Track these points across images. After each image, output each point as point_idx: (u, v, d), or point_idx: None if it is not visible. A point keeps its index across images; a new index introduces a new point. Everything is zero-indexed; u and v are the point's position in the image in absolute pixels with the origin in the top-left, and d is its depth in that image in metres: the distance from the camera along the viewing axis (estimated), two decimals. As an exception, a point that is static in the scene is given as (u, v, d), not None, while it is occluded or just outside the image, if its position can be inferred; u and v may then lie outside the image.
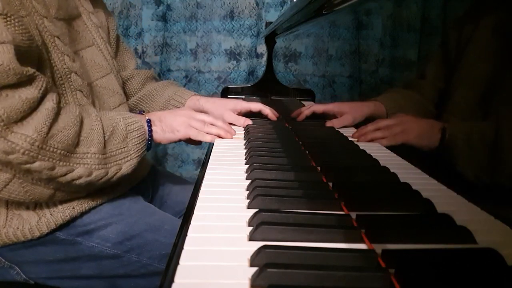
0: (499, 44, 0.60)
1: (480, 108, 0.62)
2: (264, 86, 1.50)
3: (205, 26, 1.83)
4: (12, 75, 0.51)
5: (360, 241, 0.37)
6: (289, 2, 1.76)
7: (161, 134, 0.73)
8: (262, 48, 1.82)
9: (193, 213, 0.42)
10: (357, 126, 0.88)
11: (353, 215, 0.42)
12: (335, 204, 0.45)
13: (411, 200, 0.47)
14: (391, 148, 0.73)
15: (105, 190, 0.72)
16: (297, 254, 0.33)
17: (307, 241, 0.37)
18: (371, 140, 0.77)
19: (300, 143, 0.75)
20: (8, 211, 0.65)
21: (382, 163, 0.61)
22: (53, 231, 0.67)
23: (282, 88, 1.51)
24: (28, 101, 0.52)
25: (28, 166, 0.54)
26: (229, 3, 1.79)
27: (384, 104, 0.87)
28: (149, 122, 0.72)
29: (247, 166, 0.59)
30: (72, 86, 0.66)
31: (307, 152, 0.68)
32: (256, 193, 0.45)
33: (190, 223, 0.40)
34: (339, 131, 0.86)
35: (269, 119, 0.96)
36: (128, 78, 0.97)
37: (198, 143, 0.80)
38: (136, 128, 0.68)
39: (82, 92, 0.68)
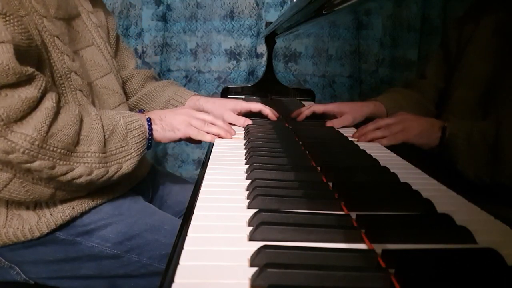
0: (499, 44, 0.60)
1: (480, 107, 0.62)
2: (264, 86, 1.50)
3: (205, 26, 1.83)
4: (12, 74, 0.51)
5: (360, 241, 0.37)
6: (289, 2, 1.76)
7: (161, 132, 0.73)
8: (262, 48, 1.82)
9: (193, 213, 0.42)
10: (357, 126, 0.88)
11: (353, 215, 0.42)
12: (335, 204, 0.45)
13: (411, 200, 0.47)
14: (391, 148, 0.73)
15: (105, 190, 0.72)
16: (297, 254, 0.33)
17: (307, 241, 0.37)
18: (371, 140, 0.77)
19: (300, 143, 0.75)
20: (8, 211, 0.65)
21: (382, 163, 0.61)
22: (53, 231, 0.67)
23: (282, 88, 1.51)
24: (27, 101, 0.52)
25: (28, 165, 0.54)
26: (229, 3, 1.79)
27: (384, 104, 0.87)
28: (149, 120, 0.72)
29: (247, 166, 0.59)
30: (72, 86, 0.66)
31: (307, 152, 0.68)
32: (256, 193, 0.45)
33: (190, 223, 0.40)
34: (339, 131, 0.86)
35: (269, 119, 0.96)
36: (128, 78, 0.97)
37: (198, 142, 0.80)
38: (136, 127, 0.68)
39: (82, 91, 0.68)
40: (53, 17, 0.65)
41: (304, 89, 1.56)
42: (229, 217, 0.42)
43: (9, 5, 0.54)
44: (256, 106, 0.96)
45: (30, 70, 0.54)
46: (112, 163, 0.64)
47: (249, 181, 0.51)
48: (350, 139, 0.79)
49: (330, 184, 0.52)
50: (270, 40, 1.49)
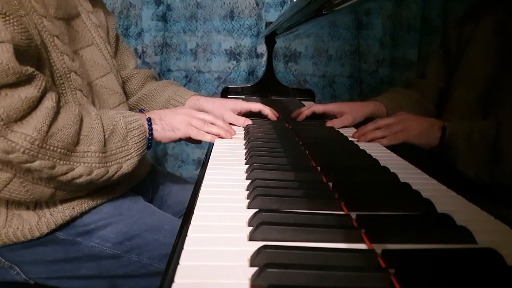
0: (499, 44, 0.61)
1: (480, 107, 0.62)
2: (264, 86, 1.50)
3: (205, 26, 1.83)
4: (12, 74, 0.51)
5: (360, 241, 0.37)
6: (289, 2, 1.76)
7: (161, 132, 0.73)
8: (262, 48, 1.82)
9: (193, 213, 0.42)
10: (357, 126, 0.88)
11: (353, 215, 0.42)
12: (335, 204, 0.45)
13: (411, 200, 0.47)
14: (391, 148, 0.73)
15: (105, 190, 0.72)
16: (297, 254, 0.33)
17: (307, 241, 0.37)
18: (371, 140, 0.77)
19: (300, 143, 0.75)
20: (8, 211, 0.65)
21: (382, 163, 0.61)
22: (53, 231, 0.67)
23: (282, 88, 1.51)
24: (27, 100, 0.52)
25: (28, 165, 0.54)
26: (229, 3, 1.79)
27: (384, 104, 0.87)
28: (149, 120, 0.72)
29: (247, 166, 0.59)
30: (71, 86, 0.66)
31: (307, 152, 0.68)
32: (256, 193, 0.45)
33: (190, 223, 0.40)
34: (339, 131, 0.86)
35: (269, 119, 0.96)
36: (128, 78, 0.97)
37: (198, 142, 0.80)
38: (137, 127, 0.68)
39: (82, 91, 0.68)
40: (52, 17, 0.65)
41: (304, 89, 1.56)
42: (229, 217, 0.42)
43: (8, 5, 0.54)
44: (256, 106, 0.96)
45: (30, 69, 0.54)
46: (112, 163, 0.64)
47: (249, 181, 0.51)
48: (350, 139, 0.79)
49: (330, 184, 0.52)
50: (270, 40, 1.49)
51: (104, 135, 0.63)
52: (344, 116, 0.91)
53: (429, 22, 0.84)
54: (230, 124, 0.87)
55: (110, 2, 1.76)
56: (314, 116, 0.97)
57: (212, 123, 0.79)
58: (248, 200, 0.46)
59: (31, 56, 0.58)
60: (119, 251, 0.70)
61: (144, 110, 0.80)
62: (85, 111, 0.64)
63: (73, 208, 0.67)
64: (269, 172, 0.54)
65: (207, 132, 0.77)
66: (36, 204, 0.66)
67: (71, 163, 0.58)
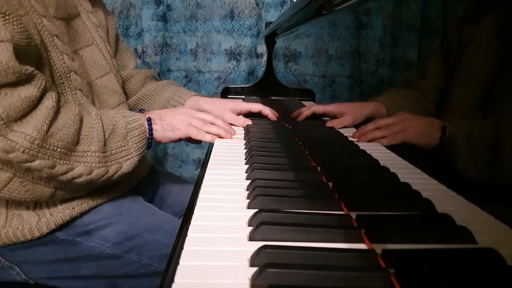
0: (499, 44, 0.60)
1: (480, 107, 0.62)
2: (264, 86, 1.50)
3: (205, 26, 1.83)
4: (11, 73, 0.51)
5: (360, 241, 0.37)
6: (289, 2, 1.76)
7: (161, 132, 0.73)
8: (262, 48, 1.82)
9: (193, 213, 0.42)
10: (357, 126, 0.88)
11: (353, 215, 0.42)
12: (335, 204, 0.45)
13: (411, 200, 0.47)
14: (391, 148, 0.73)
15: (105, 190, 0.72)
16: (297, 254, 0.33)
17: (307, 241, 0.37)
18: (371, 140, 0.77)
19: (300, 143, 0.75)
20: (8, 211, 0.65)
21: (382, 163, 0.61)
22: (53, 231, 0.67)
23: (282, 88, 1.51)
24: (27, 100, 0.52)
25: (28, 164, 0.54)
26: (229, 3, 1.79)
27: (384, 104, 0.87)
28: (149, 120, 0.72)
29: (247, 166, 0.59)
30: (71, 85, 0.66)
31: (307, 152, 0.68)
32: (256, 193, 0.45)
33: (190, 223, 0.40)
34: (339, 131, 0.86)
35: (269, 119, 0.96)
36: (128, 78, 0.97)
37: (198, 142, 0.80)
38: (137, 127, 0.68)
39: (81, 91, 0.68)
40: (52, 16, 0.65)
41: (304, 89, 1.56)
42: (229, 217, 0.42)
43: (8, 5, 0.54)
44: (256, 106, 0.96)
45: (30, 69, 0.54)
46: (112, 162, 0.64)
47: (249, 181, 0.51)
48: (350, 139, 0.79)
49: (330, 184, 0.52)
50: (270, 40, 1.49)
51: (104, 135, 0.63)
52: (344, 116, 0.91)
53: (429, 22, 0.84)
54: (230, 124, 0.87)
55: (110, 2, 1.76)
56: (314, 116, 0.97)
57: (212, 123, 0.79)
58: (248, 200, 0.46)
59: (31, 55, 0.58)
60: (119, 251, 0.70)
61: (144, 110, 0.80)
62: (85, 110, 0.64)
63: (73, 208, 0.67)
64: (269, 172, 0.54)
65: (207, 132, 0.77)
66: (36, 204, 0.66)
67: (71, 162, 0.58)
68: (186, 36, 1.84)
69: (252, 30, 1.81)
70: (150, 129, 0.71)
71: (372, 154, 0.65)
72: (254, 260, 0.33)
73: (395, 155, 0.70)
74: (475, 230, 0.38)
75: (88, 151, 0.60)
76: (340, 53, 1.47)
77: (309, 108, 0.97)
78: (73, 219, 0.68)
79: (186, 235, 0.37)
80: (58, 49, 0.64)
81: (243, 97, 1.48)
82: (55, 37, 0.64)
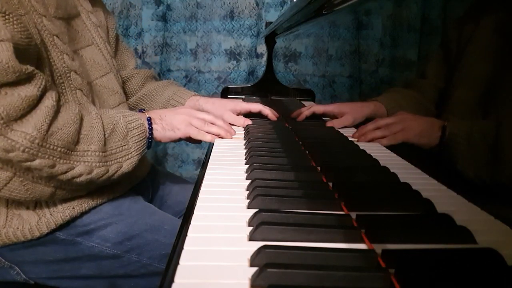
0: (499, 44, 0.60)
1: (480, 107, 0.62)
2: (264, 86, 1.50)
3: (205, 26, 1.83)
4: (11, 73, 0.51)
5: (360, 241, 0.37)
6: (289, 2, 1.76)
7: (161, 132, 0.73)
8: (262, 48, 1.82)
9: (193, 213, 0.42)
10: (357, 126, 0.88)
11: (353, 215, 0.42)
12: (335, 204, 0.45)
13: (411, 200, 0.47)
14: (391, 148, 0.73)
15: (105, 190, 0.72)
16: (297, 254, 0.33)
17: (307, 241, 0.37)
18: (371, 140, 0.77)
19: (300, 143, 0.75)
20: (8, 211, 0.65)
21: (382, 163, 0.61)
22: (53, 231, 0.67)
23: (282, 88, 1.51)
24: (27, 99, 0.52)
25: (28, 164, 0.54)
26: (229, 3, 1.79)
27: (384, 104, 0.87)
28: (149, 120, 0.72)
29: (247, 166, 0.59)
30: (71, 85, 0.66)
31: (307, 152, 0.68)
32: (256, 193, 0.45)
33: (190, 223, 0.40)
34: (339, 131, 0.86)
35: (269, 119, 0.96)
36: (128, 78, 0.97)
37: (198, 141, 0.80)
38: (137, 126, 0.68)
39: (81, 91, 0.68)
40: (52, 16, 0.65)
41: (304, 89, 1.56)
42: (229, 217, 0.42)
43: (8, 4, 0.54)
44: (256, 106, 0.96)
45: (30, 68, 0.54)
46: (112, 162, 0.64)
47: (249, 181, 0.51)
48: (350, 139, 0.79)
49: (330, 184, 0.52)
50: (270, 40, 1.49)
51: (104, 134, 0.63)
52: (344, 116, 0.91)
53: (429, 22, 0.84)
54: (230, 124, 0.87)
55: (110, 2, 1.76)
56: (314, 116, 0.97)
57: (212, 123, 0.79)
58: (248, 200, 0.46)
59: (31, 55, 0.58)
60: (119, 251, 0.70)
61: (144, 110, 0.80)
62: (85, 110, 0.64)
63: (73, 208, 0.67)
64: (269, 172, 0.54)
65: (207, 132, 0.77)
66: (36, 204, 0.66)
67: (71, 162, 0.58)
68: (186, 36, 1.84)
69: (252, 30, 1.81)
70: (150, 129, 0.71)
71: (372, 154, 0.65)
72: (254, 260, 0.33)
73: (395, 155, 0.70)
74: (475, 230, 0.38)
75: (88, 151, 0.60)
76: (340, 53, 1.47)
77: (309, 108, 0.97)
78: (73, 219, 0.68)
79: (186, 235, 0.37)
80: (58, 48, 0.64)
81: (243, 97, 1.48)
82: (55, 37, 0.64)
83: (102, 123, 0.63)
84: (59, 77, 0.64)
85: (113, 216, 0.71)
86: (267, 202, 0.44)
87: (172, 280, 0.30)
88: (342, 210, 0.44)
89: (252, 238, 0.37)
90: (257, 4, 1.79)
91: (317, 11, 0.87)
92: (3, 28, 0.52)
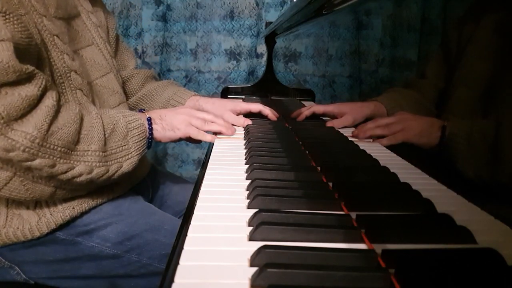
0: (499, 44, 0.61)
1: (480, 107, 0.62)
2: (264, 86, 1.50)
3: (205, 26, 1.83)
4: (12, 72, 0.51)
5: (360, 241, 0.37)
6: (289, 2, 1.76)
7: (161, 132, 0.73)
8: (262, 48, 1.82)
9: (193, 213, 0.42)
10: (357, 126, 0.88)
11: (353, 215, 0.42)
12: (335, 204, 0.45)
13: (411, 200, 0.47)
14: (391, 148, 0.73)
15: (105, 190, 0.72)
16: (297, 254, 0.33)
17: (307, 241, 0.37)
18: (370, 136, 0.77)
19: (300, 143, 0.75)
20: (8, 211, 0.65)
21: (382, 163, 0.61)
22: (53, 231, 0.67)
23: (282, 88, 1.51)
24: (27, 99, 0.52)
25: (28, 163, 0.54)
26: (229, 3, 1.79)
27: (384, 104, 0.87)
28: (149, 120, 0.72)
29: (247, 166, 0.59)
30: (71, 85, 0.66)
31: (307, 152, 0.68)
32: (256, 193, 0.45)
33: (190, 223, 0.40)
34: (339, 131, 0.86)
35: (269, 119, 0.96)
36: (128, 78, 0.97)
37: (198, 141, 0.80)
38: (137, 126, 0.68)
39: (82, 91, 0.68)
40: (52, 16, 0.65)
41: (304, 89, 1.56)
42: (229, 217, 0.42)
43: (8, 4, 0.54)
44: (256, 106, 0.96)
45: (30, 68, 0.54)
46: (113, 162, 0.64)
47: (249, 181, 0.51)
48: (350, 139, 0.79)
49: (330, 184, 0.52)
50: (270, 40, 1.49)
51: (105, 134, 0.63)
52: (344, 116, 0.91)
53: (429, 22, 0.84)
54: (230, 124, 0.87)
55: (110, 2, 1.76)
56: (314, 116, 0.97)
57: (212, 122, 0.79)
58: (248, 200, 0.46)
59: (31, 55, 0.58)
60: (119, 251, 0.70)
61: (144, 110, 0.80)
62: (85, 110, 0.64)
63: (73, 208, 0.67)
64: (269, 172, 0.54)
65: (208, 131, 0.77)
66: (36, 204, 0.66)
67: (71, 161, 0.58)
68: (186, 36, 1.84)
69: (252, 30, 1.81)
70: (150, 129, 0.71)
71: (372, 154, 0.65)
72: (254, 260, 0.33)
73: (395, 155, 0.69)
74: (475, 230, 0.38)
75: (89, 150, 0.60)
76: (340, 53, 1.47)
77: (309, 108, 0.97)
78: (73, 219, 0.68)
79: (186, 235, 0.37)
80: (58, 48, 0.64)
81: (243, 97, 1.48)
82: (55, 37, 0.64)
83: (102, 123, 0.63)
84: (59, 77, 0.64)
85: (113, 216, 0.71)
86: (267, 202, 0.44)
87: (172, 280, 0.30)
88: (342, 210, 0.44)
89: (252, 238, 0.37)
90: (257, 4, 1.79)
91: (317, 11, 0.87)
92: (4, 28, 0.52)
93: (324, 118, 1.00)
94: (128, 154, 0.66)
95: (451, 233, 0.39)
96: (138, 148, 0.68)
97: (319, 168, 0.58)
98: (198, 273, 0.31)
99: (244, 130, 0.86)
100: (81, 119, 0.61)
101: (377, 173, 0.58)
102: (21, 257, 0.70)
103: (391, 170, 0.57)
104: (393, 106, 0.86)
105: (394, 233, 0.37)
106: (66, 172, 0.58)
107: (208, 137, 0.77)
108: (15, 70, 0.51)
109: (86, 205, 0.69)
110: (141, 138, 0.69)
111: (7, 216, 0.65)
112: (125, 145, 0.66)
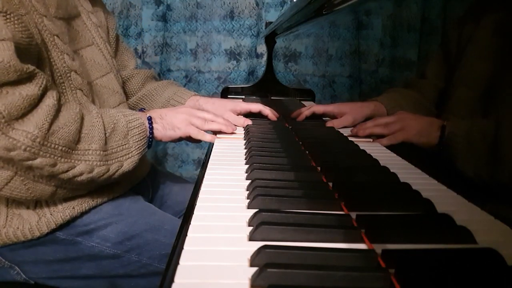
0: (499, 44, 0.61)
1: (480, 107, 0.62)
2: (264, 86, 1.50)
3: (205, 26, 1.83)
4: (12, 72, 0.51)
5: (360, 241, 0.37)
6: (289, 2, 1.76)
7: (162, 131, 0.74)
8: (262, 48, 1.82)
9: (193, 213, 0.42)
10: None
11: (353, 215, 0.42)
12: (335, 204, 0.45)
13: (411, 200, 0.47)
14: (391, 148, 0.73)
15: (105, 190, 0.72)
16: (297, 254, 0.33)
17: (307, 241, 0.37)
18: (369, 134, 0.77)
19: (300, 143, 0.75)
20: (8, 211, 0.65)
21: (382, 163, 0.61)
22: (53, 231, 0.67)
23: (282, 88, 1.51)
24: (28, 98, 0.53)
25: (29, 162, 0.54)
26: (229, 3, 1.79)
27: (384, 104, 0.87)
28: (150, 119, 0.72)
29: (247, 166, 0.59)
30: (72, 85, 0.66)
31: (307, 152, 0.68)
32: (256, 193, 0.45)
33: (190, 223, 0.40)
34: (339, 131, 0.86)
35: (269, 119, 0.96)
36: (128, 78, 0.97)
37: (198, 141, 0.80)
38: (137, 125, 0.68)
39: (82, 91, 0.68)
40: (53, 16, 0.65)
41: (304, 89, 1.56)
42: (229, 217, 0.42)
43: (9, 4, 0.54)
44: (256, 106, 0.96)
45: (31, 67, 0.54)
46: (113, 161, 0.64)
47: (249, 181, 0.51)
48: (350, 139, 0.79)
49: (330, 184, 0.52)
50: (270, 40, 1.49)
51: (105, 133, 0.63)
52: (344, 116, 0.91)
53: (429, 22, 0.84)
54: (230, 124, 0.87)
55: (110, 2, 1.76)
56: (314, 116, 0.97)
57: (212, 121, 0.79)
58: (248, 200, 0.46)
59: (32, 54, 0.58)
60: (119, 251, 0.70)
61: (144, 109, 0.81)
62: (86, 109, 0.64)
63: (73, 208, 0.67)
64: (269, 172, 0.54)
65: (208, 130, 0.77)
66: (36, 204, 0.66)
67: (72, 161, 0.58)
68: (186, 36, 1.84)
69: (252, 30, 1.81)
70: (151, 128, 0.72)
71: (372, 154, 0.65)
72: (254, 260, 0.33)
73: (395, 155, 0.70)
74: (475, 230, 0.38)
75: (89, 150, 0.60)
76: (340, 53, 1.47)
77: (309, 108, 0.97)
78: (73, 219, 0.68)
79: (186, 235, 0.37)
80: (58, 48, 0.64)
81: (243, 97, 1.48)
82: (55, 37, 0.64)
83: (103, 122, 0.63)
84: (60, 77, 0.64)
85: (113, 216, 0.71)
86: (267, 202, 0.44)
87: (172, 280, 0.30)
88: (342, 210, 0.44)
89: (252, 238, 0.37)
90: (257, 4, 1.79)
91: (317, 11, 0.87)
92: (4, 28, 0.52)
93: (324, 118, 1.00)
94: (128, 153, 0.66)
95: (451, 233, 0.39)
96: (138, 147, 0.68)
97: (319, 168, 0.59)
98: (198, 273, 0.31)
99: (244, 130, 0.86)
100: (82, 119, 0.61)
101: (377, 173, 0.58)
102: (21, 257, 0.70)
103: (391, 170, 0.57)
104: (393, 106, 0.86)
105: (394, 233, 0.37)
106: (67, 171, 0.58)
107: (208, 137, 0.77)
108: (16, 70, 0.51)
109: (86, 205, 0.69)
110: (142, 137, 0.69)
111: (7, 216, 0.65)
112: (125, 144, 0.66)
